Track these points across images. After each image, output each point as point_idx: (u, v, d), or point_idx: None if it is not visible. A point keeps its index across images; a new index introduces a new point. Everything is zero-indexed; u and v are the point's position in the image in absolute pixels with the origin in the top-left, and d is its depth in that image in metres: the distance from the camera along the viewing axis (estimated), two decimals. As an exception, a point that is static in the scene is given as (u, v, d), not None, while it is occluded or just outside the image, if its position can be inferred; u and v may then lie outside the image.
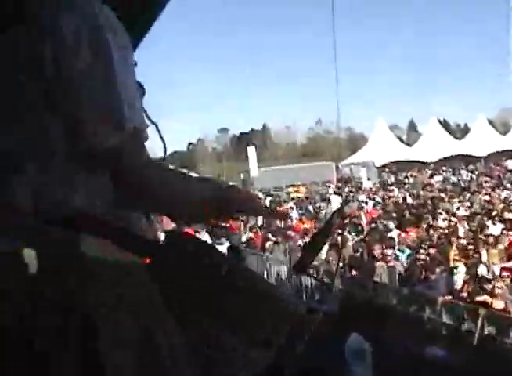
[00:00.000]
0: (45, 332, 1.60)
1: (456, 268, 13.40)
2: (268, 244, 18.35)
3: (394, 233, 17.56)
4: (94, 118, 1.65)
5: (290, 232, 18.80)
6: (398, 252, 15.25)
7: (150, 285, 1.82)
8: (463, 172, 37.60)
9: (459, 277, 13.06)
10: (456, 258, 14.03)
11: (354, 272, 14.57)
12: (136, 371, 1.67)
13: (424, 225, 18.16)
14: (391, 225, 18.87)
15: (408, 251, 15.26)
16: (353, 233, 18.38)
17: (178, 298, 1.90)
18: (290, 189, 35.10)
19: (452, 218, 19.01)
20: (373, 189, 32.60)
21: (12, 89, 1.71)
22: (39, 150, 1.69)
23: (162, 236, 2.06)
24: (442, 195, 26.56)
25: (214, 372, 1.99)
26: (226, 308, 1.92)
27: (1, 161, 1.72)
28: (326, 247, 14.88)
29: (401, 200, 26.47)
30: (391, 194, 29.08)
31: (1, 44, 1.72)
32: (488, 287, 11.83)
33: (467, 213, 20.30)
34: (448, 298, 12.41)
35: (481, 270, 13.10)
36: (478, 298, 11.67)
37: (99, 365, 1.61)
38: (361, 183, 36.72)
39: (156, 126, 1.99)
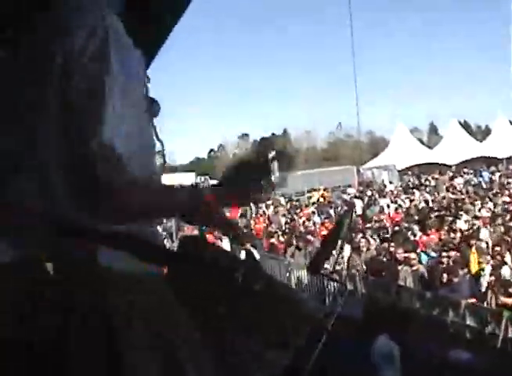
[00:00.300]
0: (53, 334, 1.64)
1: (482, 270, 13.32)
2: (289, 249, 18.33)
3: (417, 237, 17.49)
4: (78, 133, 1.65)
5: (309, 236, 18.71)
6: (421, 255, 15.16)
7: (162, 291, 1.86)
8: (485, 174, 37.28)
9: (485, 279, 12.97)
10: (480, 260, 13.94)
11: (375, 276, 14.52)
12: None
13: (446, 228, 18.05)
14: (415, 228, 18.80)
15: (432, 254, 15.16)
16: (375, 237, 18.32)
17: (194, 303, 1.94)
18: (312, 194, 34.89)
19: (474, 221, 18.90)
20: (395, 193, 32.41)
21: (12, 89, 1.76)
22: (39, 150, 1.71)
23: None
24: (464, 197, 26.37)
25: (230, 374, 2.02)
26: (241, 311, 1.96)
27: (2, 161, 1.76)
28: (348, 251, 14.86)
29: (423, 203, 26.31)
30: (412, 197, 28.90)
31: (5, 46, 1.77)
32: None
33: (489, 215, 20.10)
34: (472, 300, 12.34)
35: (505, 272, 13.01)
36: (504, 299, 11.58)
37: (114, 366, 1.65)
38: (384, 186, 36.53)
39: (162, 144, 2.01)
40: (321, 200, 32.56)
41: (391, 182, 38.16)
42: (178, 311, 1.87)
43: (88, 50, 1.67)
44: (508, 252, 14.22)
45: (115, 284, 1.72)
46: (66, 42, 1.68)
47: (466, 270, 13.23)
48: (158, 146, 2.00)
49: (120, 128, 1.70)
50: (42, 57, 1.71)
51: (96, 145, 1.63)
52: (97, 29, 1.70)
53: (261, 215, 27.81)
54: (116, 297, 1.71)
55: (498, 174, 36.93)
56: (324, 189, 35.83)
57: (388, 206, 26.74)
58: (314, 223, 23.40)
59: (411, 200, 27.62)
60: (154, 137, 1.95)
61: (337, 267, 13.46)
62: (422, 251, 15.51)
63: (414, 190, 32.55)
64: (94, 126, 1.64)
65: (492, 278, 12.74)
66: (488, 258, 13.84)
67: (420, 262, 14.59)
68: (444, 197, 27.79)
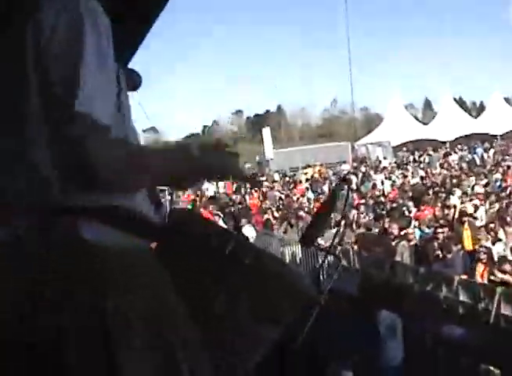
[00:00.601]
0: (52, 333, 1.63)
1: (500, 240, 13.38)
2: (282, 225, 18.39)
3: (412, 213, 17.56)
4: (58, 105, 1.65)
5: (302, 213, 18.76)
6: (415, 231, 15.21)
7: (152, 266, 1.85)
8: (479, 150, 37.30)
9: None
10: (479, 237, 13.97)
11: (367, 252, 14.58)
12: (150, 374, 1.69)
13: (440, 204, 18.08)
14: (410, 204, 18.86)
15: (426, 230, 15.20)
16: (369, 213, 18.38)
17: (183, 277, 1.93)
18: (307, 170, 34.89)
19: (469, 198, 18.92)
20: (389, 169, 32.45)
21: None
22: (22, 128, 1.69)
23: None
24: (458, 173, 26.40)
25: (225, 347, 2.02)
26: (231, 285, 1.95)
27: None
28: (341, 227, 14.90)
29: (417, 180, 26.36)
30: (407, 173, 28.92)
31: None
32: (507, 267, 11.77)
33: (483, 191, 20.14)
34: (464, 276, 12.40)
35: (499, 249, 13.05)
36: (500, 275, 11.61)
37: (112, 366, 1.63)
38: (379, 162, 36.56)
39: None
40: (316, 176, 32.55)
41: (385, 158, 38.19)
42: (167, 286, 1.86)
43: (60, 26, 1.66)
44: (502, 229, 14.24)
45: (103, 260, 1.71)
46: (37, 17, 1.67)
47: (459, 246, 13.25)
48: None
49: (100, 102, 1.69)
50: (15, 34, 1.69)
51: (81, 118, 1.62)
52: (68, 5, 1.69)
53: (255, 191, 27.81)
54: (105, 273, 1.70)
55: (492, 151, 36.96)
56: (320, 165, 35.83)
57: (382, 182, 26.77)
58: (308, 199, 23.43)
59: (405, 176, 27.64)
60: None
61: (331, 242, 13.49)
62: (416, 227, 15.55)
63: (408, 166, 32.56)
64: (74, 100, 1.63)
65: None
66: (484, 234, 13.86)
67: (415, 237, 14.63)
68: (439, 174, 27.82)
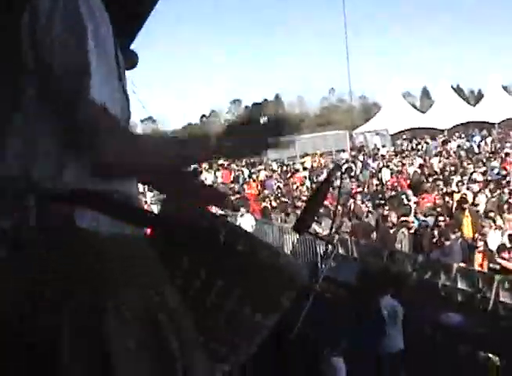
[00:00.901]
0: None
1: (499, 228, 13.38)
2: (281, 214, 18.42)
3: (411, 201, 17.56)
4: (66, 89, 1.64)
5: (299, 203, 18.78)
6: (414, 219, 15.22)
7: (146, 253, 1.84)
8: (477, 138, 37.26)
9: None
10: (483, 224, 13.98)
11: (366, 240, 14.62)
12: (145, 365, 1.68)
13: (439, 192, 18.07)
14: (409, 192, 18.87)
15: (422, 218, 15.20)
16: (366, 202, 18.36)
17: (176, 265, 1.93)
18: (305, 159, 34.79)
19: (466, 185, 18.91)
20: (387, 157, 32.42)
21: None
22: (23, 124, 1.69)
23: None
24: (456, 161, 26.38)
25: (220, 337, 2.02)
26: (224, 273, 1.94)
27: None
28: (338, 216, 14.89)
29: (415, 168, 26.33)
30: (405, 161, 28.89)
31: None
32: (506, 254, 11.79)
33: (482, 179, 20.12)
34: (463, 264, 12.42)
35: (497, 236, 13.04)
36: (501, 262, 11.62)
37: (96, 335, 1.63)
38: (378, 149, 36.52)
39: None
40: (314, 165, 32.50)
41: (383, 146, 38.16)
42: (163, 276, 1.85)
43: (56, 14, 1.64)
44: (499, 217, 14.25)
45: (96, 247, 1.70)
46: (33, 3, 1.65)
47: (458, 234, 13.24)
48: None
49: (104, 88, 1.68)
50: (12, 21, 1.67)
51: (83, 101, 1.62)
52: None
53: (253, 180, 27.79)
54: (98, 260, 1.69)
55: (490, 138, 36.94)
56: (321, 155, 35.75)
57: (380, 170, 26.75)
58: (307, 188, 23.39)
59: (403, 164, 27.61)
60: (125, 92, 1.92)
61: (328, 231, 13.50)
62: (414, 216, 15.56)
63: (406, 154, 32.54)
64: (77, 84, 1.62)
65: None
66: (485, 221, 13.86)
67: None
68: (439, 162, 27.79)
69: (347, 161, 30.75)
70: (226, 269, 1.93)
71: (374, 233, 15.44)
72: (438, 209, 15.48)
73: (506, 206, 15.00)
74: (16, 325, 1.63)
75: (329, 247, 2.63)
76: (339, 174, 2.45)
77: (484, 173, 21.86)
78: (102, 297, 1.65)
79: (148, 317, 1.71)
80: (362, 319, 8.23)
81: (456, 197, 16.91)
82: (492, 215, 14.15)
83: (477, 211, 15.23)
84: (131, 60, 1.94)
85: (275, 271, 1.99)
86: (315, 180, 25.73)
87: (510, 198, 15.90)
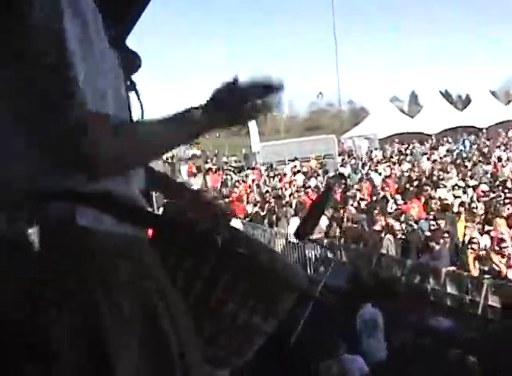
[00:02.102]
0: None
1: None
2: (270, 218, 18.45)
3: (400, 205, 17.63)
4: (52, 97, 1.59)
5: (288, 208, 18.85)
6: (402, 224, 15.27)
7: (146, 254, 1.81)
8: (466, 143, 37.49)
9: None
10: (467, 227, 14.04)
11: (355, 245, 14.62)
12: (142, 359, 1.66)
13: (427, 197, 18.13)
14: (398, 197, 18.92)
15: (412, 223, 15.25)
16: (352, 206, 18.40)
17: (176, 267, 1.94)
18: (296, 163, 34.73)
19: (455, 190, 18.99)
20: (375, 161, 32.56)
21: None
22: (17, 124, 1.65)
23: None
24: (444, 166, 26.51)
25: (219, 340, 1.99)
26: (224, 276, 1.93)
27: None
28: (326, 221, 14.92)
29: (403, 172, 26.42)
30: (393, 166, 28.99)
31: None
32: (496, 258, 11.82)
33: (470, 184, 20.23)
34: (452, 268, 12.44)
35: (487, 240, 13.07)
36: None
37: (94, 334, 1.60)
38: (371, 152, 36.66)
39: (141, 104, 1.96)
40: (304, 170, 32.50)
41: (371, 151, 38.34)
42: (163, 275, 1.83)
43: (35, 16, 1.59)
44: (491, 220, 14.29)
45: (97, 246, 1.68)
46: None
47: (447, 239, 13.26)
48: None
49: (95, 86, 1.65)
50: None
51: (75, 102, 1.58)
52: None
53: (243, 182, 27.83)
54: (99, 259, 1.66)
55: (478, 143, 37.23)
56: (316, 158, 35.78)
57: (367, 174, 26.83)
58: (296, 192, 23.40)
59: (391, 169, 27.72)
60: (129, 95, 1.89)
61: (318, 236, 13.60)
62: (401, 221, 15.61)
63: (395, 159, 32.68)
64: (68, 85, 1.58)
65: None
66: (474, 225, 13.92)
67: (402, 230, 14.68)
68: (422, 167, 27.96)
69: (339, 167, 30.89)
70: (226, 271, 1.93)
71: (363, 238, 15.48)
72: (427, 214, 15.55)
73: (496, 210, 15.06)
74: (16, 325, 1.61)
75: (328, 253, 2.62)
76: (337, 182, 2.44)
77: (472, 177, 21.98)
78: (102, 297, 1.62)
79: (148, 318, 1.69)
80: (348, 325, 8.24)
81: (444, 201, 16.99)
82: (481, 219, 14.20)
83: (473, 214, 15.28)
84: (132, 63, 1.90)
85: (275, 275, 1.99)
86: (306, 184, 25.73)
87: (499, 203, 15.97)
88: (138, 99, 2.00)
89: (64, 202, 1.65)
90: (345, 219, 13.66)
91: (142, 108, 2.02)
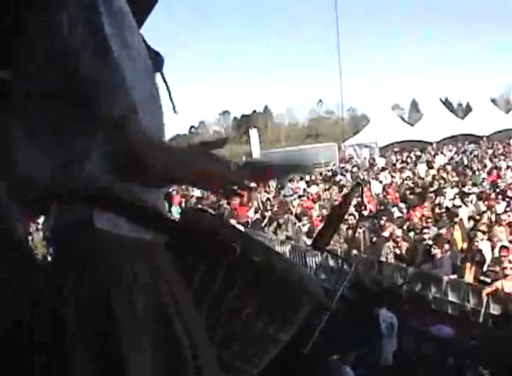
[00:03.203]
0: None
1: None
2: (272, 225, 18.41)
3: (400, 213, 17.62)
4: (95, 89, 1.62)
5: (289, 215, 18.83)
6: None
7: (163, 259, 1.83)
8: (467, 151, 37.44)
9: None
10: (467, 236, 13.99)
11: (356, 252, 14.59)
12: (154, 354, 1.67)
13: (429, 205, 18.10)
14: (401, 205, 18.91)
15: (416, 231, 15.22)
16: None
17: (191, 273, 1.93)
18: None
19: (456, 198, 18.95)
20: (375, 170, 32.49)
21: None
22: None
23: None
24: (445, 175, 26.46)
25: (234, 348, 2.00)
26: (240, 284, 1.93)
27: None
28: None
29: (404, 181, 26.38)
30: (394, 174, 28.94)
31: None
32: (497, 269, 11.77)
33: (472, 191, 20.19)
34: (453, 276, 12.41)
35: (486, 249, 13.03)
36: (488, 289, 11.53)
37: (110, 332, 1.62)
38: (373, 159, 36.54)
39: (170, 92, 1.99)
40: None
41: (374, 159, 38.27)
42: (179, 280, 1.85)
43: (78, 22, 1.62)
44: (491, 228, 14.24)
45: (114, 248, 1.70)
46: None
47: (447, 246, 13.24)
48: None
49: (133, 87, 1.67)
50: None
51: (115, 106, 1.62)
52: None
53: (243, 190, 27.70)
54: (115, 261, 1.69)
55: (479, 151, 37.15)
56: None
57: (369, 182, 26.78)
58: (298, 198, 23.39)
59: (392, 177, 27.68)
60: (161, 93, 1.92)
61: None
62: (408, 228, 15.60)
63: (395, 167, 32.60)
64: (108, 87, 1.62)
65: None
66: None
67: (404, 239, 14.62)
68: (427, 175, 27.89)
69: (336, 174, 30.82)
70: (242, 279, 1.93)
71: (363, 245, 15.45)
72: (429, 222, 15.53)
73: (496, 218, 15.02)
74: (29, 324, 1.64)
75: (345, 265, 2.63)
76: (350, 189, 2.46)
77: (473, 185, 21.94)
78: (116, 298, 1.64)
79: (161, 319, 1.70)
80: (360, 331, 8.23)
81: (445, 209, 16.98)
82: (482, 227, 14.16)
83: (475, 223, 15.24)
84: (156, 62, 1.92)
85: (291, 284, 1.98)
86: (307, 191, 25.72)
87: (498, 211, 15.95)
88: (170, 97, 2.03)
89: (84, 203, 1.67)
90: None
91: (172, 103, 2.03)
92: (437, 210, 17.25)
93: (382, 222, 15.55)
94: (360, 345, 8.06)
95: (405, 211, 18.03)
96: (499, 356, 8.43)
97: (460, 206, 17.52)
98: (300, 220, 18.11)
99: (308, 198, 23.26)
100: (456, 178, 24.43)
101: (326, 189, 25.94)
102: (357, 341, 8.15)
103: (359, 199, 2.59)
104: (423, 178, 24.65)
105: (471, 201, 18.53)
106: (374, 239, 15.28)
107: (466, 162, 32.55)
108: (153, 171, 1.68)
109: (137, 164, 1.65)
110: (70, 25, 1.62)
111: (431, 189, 21.37)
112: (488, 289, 11.36)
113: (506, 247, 12.19)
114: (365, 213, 17.51)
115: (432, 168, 30.28)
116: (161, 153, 1.71)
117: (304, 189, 26.78)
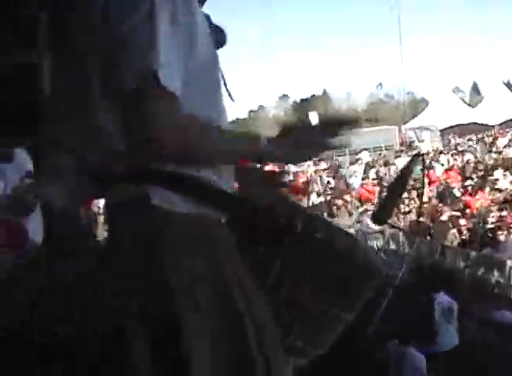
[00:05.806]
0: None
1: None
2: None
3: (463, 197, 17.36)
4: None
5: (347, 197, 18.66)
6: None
7: (223, 236, 1.81)
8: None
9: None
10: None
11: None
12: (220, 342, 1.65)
13: (490, 188, 17.80)
14: (460, 189, 18.65)
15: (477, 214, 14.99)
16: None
17: (251, 251, 1.89)
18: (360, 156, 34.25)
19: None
20: (436, 153, 32.04)
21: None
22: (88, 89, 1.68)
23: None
24: (507, 157, 25.96)
25: (295, 329, 1.97)
26: (301, 262, 1.90)
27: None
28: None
29: (465, 164, 25.97)
30: (455, 157, 28.51)
31: None
32: None
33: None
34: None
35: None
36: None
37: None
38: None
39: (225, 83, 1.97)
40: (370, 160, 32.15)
41: (432, 142, 37.76)
42: (238, 259, 1.82)
43: None
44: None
45: (175, 226, 1.69)
46: None
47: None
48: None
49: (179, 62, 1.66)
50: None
51: (148, 80, 1.59)
52: None
53: (302, 173, 27.68)
54: (175, 240, 1.68)
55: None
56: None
57: (431, 166, 26.42)
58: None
59: (455, 160, 27.28)
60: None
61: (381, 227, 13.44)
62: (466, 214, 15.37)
63: (457, 150, 32.12)
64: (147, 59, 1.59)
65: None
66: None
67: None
68: (485, 158, 27.41)
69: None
70: (305, 257, 1.88)
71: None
72: (491, 206, 15.28)
73: None
74: (97, 307, 1.63)
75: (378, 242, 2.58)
76: (408, 161, 2.41)
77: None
78: (175, 280, 1.63)
79: (225, 302, 1.69)
80: (411, 315, 8.13)
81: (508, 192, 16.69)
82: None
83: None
84: (218, 39, 1.89)
85: (354, 262, 1.94)
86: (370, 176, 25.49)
87: None
88: (225, 84, 2.01)
89: (140, 182, 1.67)
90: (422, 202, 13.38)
91: (226, 87, 2.02)
92: (498, 194, 16.93)
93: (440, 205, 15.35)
94: (411, 329, 7.95)
95: (465, 194, 17.74)
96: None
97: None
98: (362, 204, 17.98)
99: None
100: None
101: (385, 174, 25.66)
102: (408, 325, 8.04)
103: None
104: (487, 163, 24.18)
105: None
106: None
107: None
108: (167, 150, 1.62)
109: (150, 144, 1.61)
110: None
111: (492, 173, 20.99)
112: None
113: None
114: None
115: (493, 151, 29.73)
116: (182, 129, 1.64)
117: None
